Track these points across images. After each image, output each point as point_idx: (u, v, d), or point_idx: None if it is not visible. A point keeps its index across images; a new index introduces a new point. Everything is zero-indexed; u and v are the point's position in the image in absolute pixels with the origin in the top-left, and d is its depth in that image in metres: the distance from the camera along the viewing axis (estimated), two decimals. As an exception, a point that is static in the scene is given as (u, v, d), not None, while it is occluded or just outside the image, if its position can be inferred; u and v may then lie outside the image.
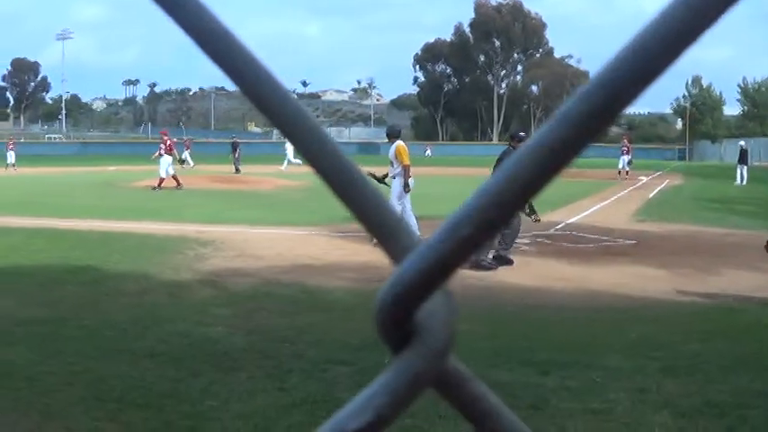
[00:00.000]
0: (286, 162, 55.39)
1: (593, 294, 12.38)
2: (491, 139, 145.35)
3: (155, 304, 11.18)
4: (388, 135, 19.44)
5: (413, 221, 17.19)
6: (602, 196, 34.01)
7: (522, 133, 16.86)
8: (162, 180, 34.72)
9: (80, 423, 6.41)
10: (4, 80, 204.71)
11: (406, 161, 17.99)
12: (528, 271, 14.35)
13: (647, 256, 16.37)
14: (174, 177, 34.88)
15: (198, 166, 54.91)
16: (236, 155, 53.80)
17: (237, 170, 51.40)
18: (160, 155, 35.42)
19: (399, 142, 18.48)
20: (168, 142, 35.90)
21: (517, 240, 18.14)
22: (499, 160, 14.51)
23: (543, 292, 12.45)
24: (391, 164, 18.28)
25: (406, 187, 18.06)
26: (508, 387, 7.33)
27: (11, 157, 58.88)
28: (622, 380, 7.66)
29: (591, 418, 6.76)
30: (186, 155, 58.58)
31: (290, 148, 61.53)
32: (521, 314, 10.87)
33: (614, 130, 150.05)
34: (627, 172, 51.71)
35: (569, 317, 10.70)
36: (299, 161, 58.32)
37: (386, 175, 18.21)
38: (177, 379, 7.61)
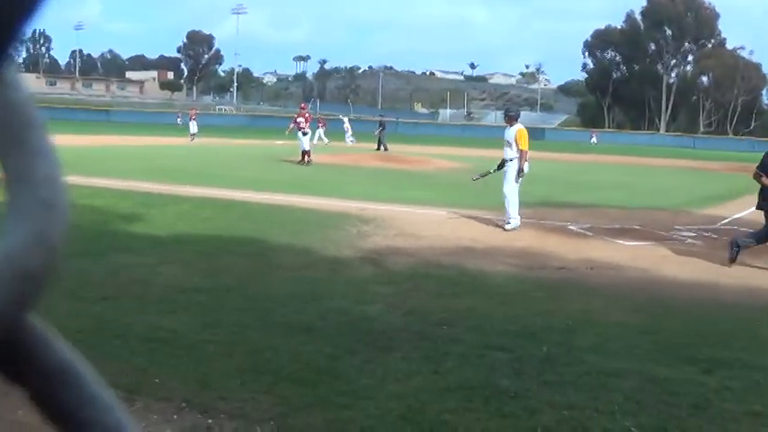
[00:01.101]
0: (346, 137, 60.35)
1: (759, 293, 11.91)
2: (658, 129, 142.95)
3: (315, 279, 11.21)
4: (510, 116, 18.76)
5: (516, 205, 17.40)
6: (773, 192, 32.84)
7: None
8: (306, 153, 35.20)
9: (236, 394, 6.42)
10: (179, 51, 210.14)
11: (526, 147, 17.82)
12: (692, 265, 13.92)
13: (819, 257, 15.65)
14: (305, 152, 35.30)
15: (362, 144, 55.44)
16: (381, 133, 54.19)
17: (384, 148, 51.85)
18: (301, 130, 35.75)
19: (521, 126, 18.21)
20: (299, 117, 36.37)
21: (683, 233, 17.73)
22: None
23: (707, 288, 12.05)
24: (509, 146, 17.94)
25: (520, 173, 17.73)
26: (669, 384, 7.11)
27: (193, 127, 60.96)
28: (787, 383, 7.34)
29: (754, 420, 6.49)
30: (320, 132, 59.74)
31: (347, 123, 63.16)
32: (683, 309, 10.52)
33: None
34: None
35: (733, 314, 10.32)
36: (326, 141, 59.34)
37: (502, 164, 18.08)
38: (334, 356, 7.58)
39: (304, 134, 35.50)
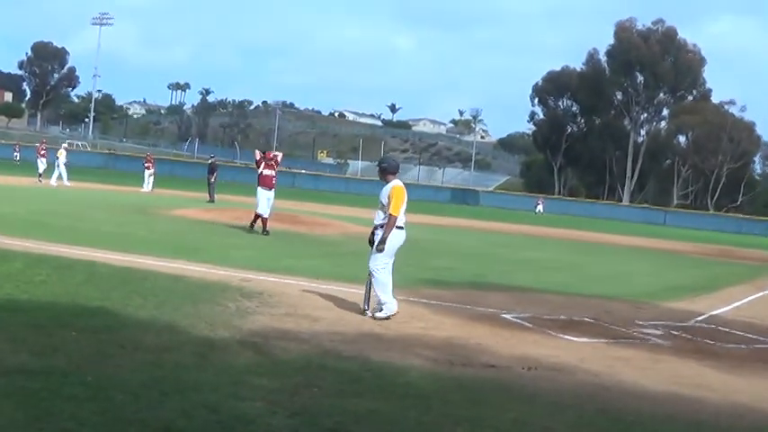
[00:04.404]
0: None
1: (742, 411, 12.02)
2: (620, 200, 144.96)
3: (179, 366, 11.09)
4: (383, 169, 17.65)
5: (386, 285, 16.67)
6: (760, 285, 33.43)
7: None
8: (257, 216, 33.61)
9: None
10: (21, 67, 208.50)
11: (397, 212, 16.81)
12: (658, 371, 14.03)
13: (816, 368, 15.94)
14: (259, 215, 33.50)
15: (249, 198, 55.33)
16: (213, 179, 54.78)
17: (211, 199, 51.73)
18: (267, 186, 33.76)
19: (398, 183, 17.26)
20: (267, 168, 34.29)
21: (647, 331, 17.92)
22: None
23: (676, 401, 12.14)
24: (383, 208, 17.03)
25: (380, 244, 16.83)
26: None
27: (42, 164, 59.90)
28: None
29: None
30: (147, 175, 60.56)
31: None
32: (645, 425, 10.59)
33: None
34: None
35: (708, 436, 10.42)
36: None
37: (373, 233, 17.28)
38: (197, 465, 7.50)
39: (268, 187, 33.68)
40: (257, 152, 35.12)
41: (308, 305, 16.88)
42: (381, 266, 16.75)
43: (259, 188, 33.43)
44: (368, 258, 17.03)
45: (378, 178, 17.69)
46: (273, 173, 33.91)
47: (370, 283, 16.96)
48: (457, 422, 9.65)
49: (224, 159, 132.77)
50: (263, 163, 34.21)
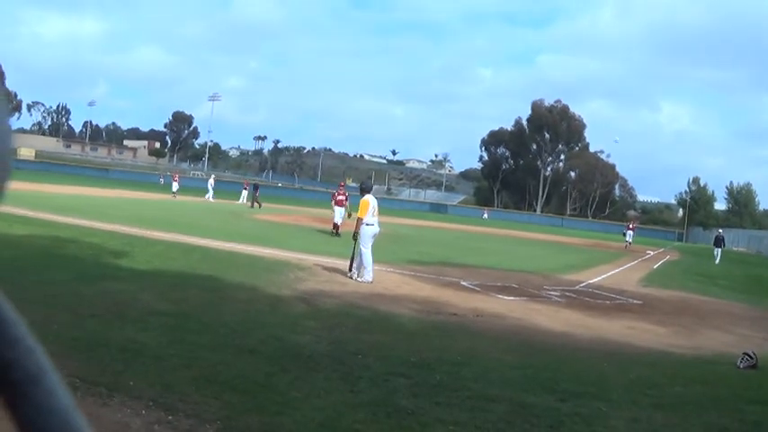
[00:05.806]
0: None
1: (606, 341, 12.09)
2: (535, 210, 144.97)
3: (258, 311, 11.11)
4: (362, 189, 17.99)
5: (369, 262, 16.52)
6: (618, 264, 33.60)
7: None
8: (336, 225, 31.98)
9: (192, 397, 6.37)
10: (165, 127, 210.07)
11: (360, 215, 17.21)
12: (557, 317, 14.07)
13: (648, 314, 16.08)
14: (336, 225, 32.05)
15: (303, 208, 55.17)
16: (257, 194, 54.74)
17: (259, 205, 52.30)
18: (340, 204, 32.60)
19: (365, 197, 17.41)
20: (339, 195, 33.20)
21: (550, 292, 17.91)
22: None
23: (567, 335, 12.18)
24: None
25: (355, 235, 17.23)
26: (532, 408, 7.18)
27: (175, 186, 61.09)
28: (621, 410, 7.49)
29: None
30: (244, 194, 61.84)
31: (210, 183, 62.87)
32: (548, 350, 10.62)
33: (631, 212, 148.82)
34: (629, 244, 53.74)
35: (586, 356, 10.47)
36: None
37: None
38: (270, 373, 7.52)
39: (340, 206, 32.51)
40: (335, 193, 34.36)
41: (338, 276, 16.83)
42: (365, 249, 16.70)
43: (336, 207, 32.68)
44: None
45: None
46: (344, 198, 32.85)
47: (353, 255, 17.02)
48: (431, 349, 9.65)
49: (288, 183, 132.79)
50: (337, 192, 33.60)
